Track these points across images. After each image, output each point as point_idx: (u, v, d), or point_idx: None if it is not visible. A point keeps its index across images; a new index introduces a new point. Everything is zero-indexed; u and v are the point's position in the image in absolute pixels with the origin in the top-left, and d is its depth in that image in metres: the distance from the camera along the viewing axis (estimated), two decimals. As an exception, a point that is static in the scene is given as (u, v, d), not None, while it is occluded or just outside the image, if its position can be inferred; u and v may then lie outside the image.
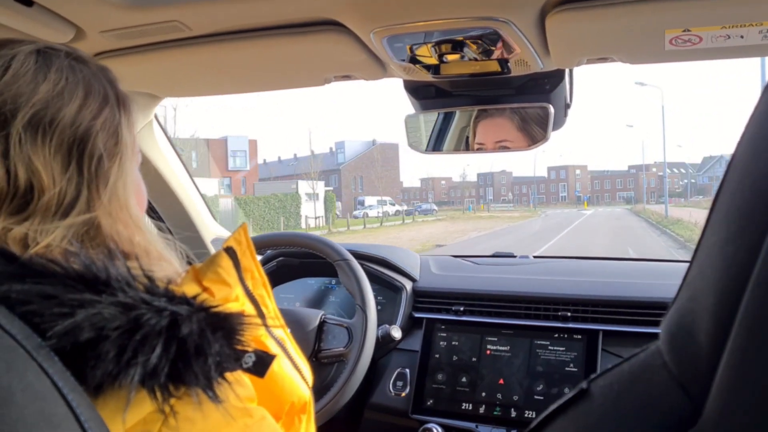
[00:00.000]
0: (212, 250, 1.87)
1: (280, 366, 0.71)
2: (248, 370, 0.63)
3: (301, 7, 0.99)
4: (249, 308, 0.72)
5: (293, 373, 0.74)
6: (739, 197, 0.42)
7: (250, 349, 0.63)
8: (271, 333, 0.74)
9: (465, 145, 1.44)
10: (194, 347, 0.57)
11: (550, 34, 1.01)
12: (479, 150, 1.43)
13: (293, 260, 1.83)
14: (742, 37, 0.95)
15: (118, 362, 0.53)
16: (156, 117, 1.57)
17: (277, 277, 1.85)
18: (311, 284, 1.84)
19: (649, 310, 1.45)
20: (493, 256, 2.05)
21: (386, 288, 1.73)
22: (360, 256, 1.67)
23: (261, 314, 0.73)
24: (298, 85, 1.32)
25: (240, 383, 0.62)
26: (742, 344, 0.37)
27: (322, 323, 1.47)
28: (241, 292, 0.71)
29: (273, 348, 0.72)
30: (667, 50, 1.01)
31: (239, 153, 40.86)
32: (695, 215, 28.84)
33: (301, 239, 1.57)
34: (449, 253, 2.02)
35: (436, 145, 1.46)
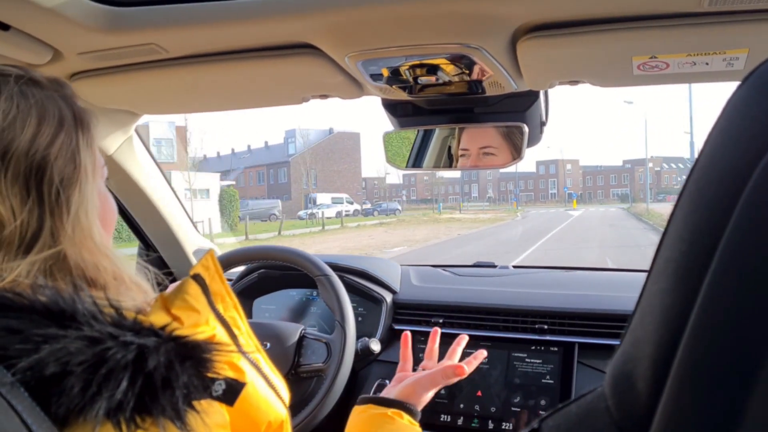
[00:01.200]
0: (194, 262, 1.87)
1: (254, 388, 0.71)
2: (218, 399, 0.63)
3: (276, 32, 1.00)
4: (220, 332, 0.72)
5: (268, 393, 0.75)
6: (678, 246, 0.43)
7: (220, 377, 0.64)
8: (245, 355, 0.74)
9: (448, 161, 1.45)
10: (161, 380, 0.57)
11: (521, 59, 1.03)
12: (462, 156, 1.43)
13: (274, 272, 1.84)
14: (707, 63, 0.97)
15: (83, 396, 0.54)
16: (136, 131, 1.58)
17: (259, 288, 1.85)
18: (293, 296, 1.85)
19: (623, 322, 1.47)
20: (474, 265, 2.07)
21: (366, 300, 1.74)
22: (340, 269, 1.69)
23: (233, 336, 0.74)
24: (275, 103, 1.33)
25: (209, 412, 0.62)
26: (676, 395, 0.39)
27: (302, 338, 1.48)
28: (212, 317, 0.72)
29: (246, 369, 0.73)
30: (635, 75, 1.04)
31: (164, 142, 33.31)
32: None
33: (282, 253, 1.58)
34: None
35: (416, 161, 1.48)
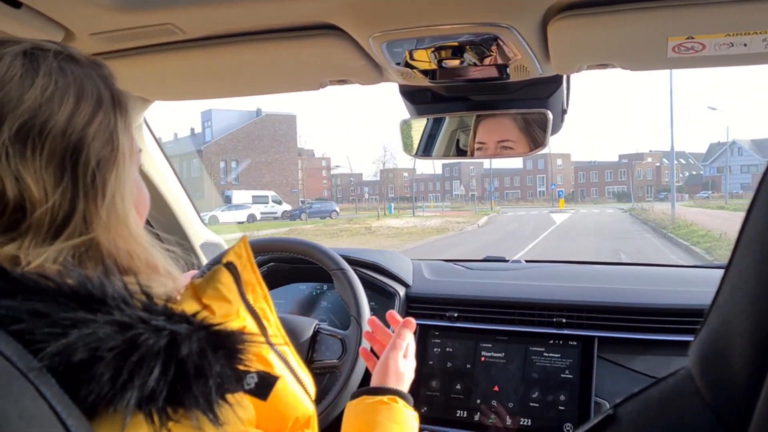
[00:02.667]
0: (201, 255, 1.84)
1: (284, 383, 0.69)
2: (250, 392, 0.61)
3: (299, 11, 0.97)
4: (250, 323, 0.69)
5: (296, 387, 0.72)
6: None
7: (252, 370, 0.61)
8: (273, 347, 0.72)
9: (456, 150, 1.42)
10: (194, 368, 0.54)
11: (551, 41, 1.00)
12: (479, 149, 1.40)
13: (284, 265, 1.80)
14: (745, 45, 0.94)
15: (113, 385, 0.51)
16: (145, 120, 1.54)
17: (268, 281, 1.79)
18: (302, 289, 1.81)
19: (644, 316, 1.45)
20: (485, 260, 2.04)
21: (379, 294, 1.71)
22: (352, 262, 1.65)
23: (263, 328, 0.71)
24: (292, 89, 1.30)
25: (241, 405, 0.60)
26: None
27: (316, 333, 1.44)
28: (242, 307, 0.69)
29: (275, 363, 0.70)
30: (669, 57, 1.01)
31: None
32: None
33: (297, 246, 1.54)
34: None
35: (426, 149, 1.44)
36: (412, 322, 1.20)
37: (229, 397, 0.57)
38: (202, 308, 0.63)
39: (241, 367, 0.59)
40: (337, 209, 43.19)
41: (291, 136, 50.56)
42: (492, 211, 48.64)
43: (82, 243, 0.63)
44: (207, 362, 0.55)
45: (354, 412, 1.05)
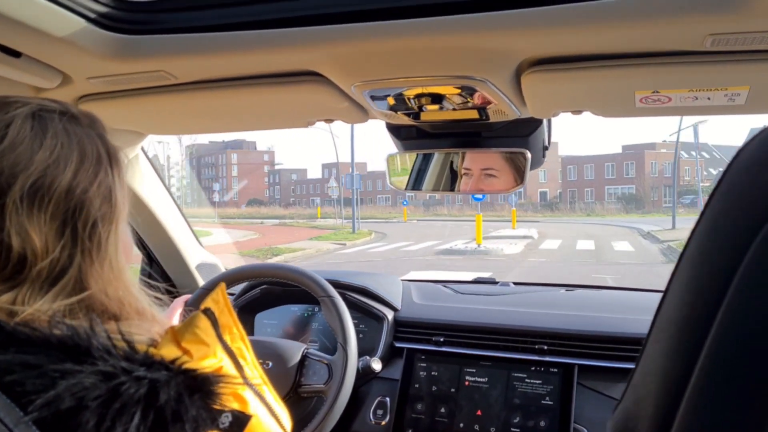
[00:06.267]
0: (197, 277, 1.89)
1: (258, 420, 0.73)
2: (224, 430, 0.65)
3: (284, 61, 1.02)
4: (227, 363, 0.74)
5: (271, 422, 0.77)
6: (679, 308, 0.44)
7: (227, 409, 0.65)
8: (250, 385, 0.76)
9: (449, 183, 1.46)
10: (171, 414, 0.59)
11: (525, 90, 1.04)
12: (465, 175, 1.44)
13: (276, 288, 1.85)
14: (709, 98, 0.99)
15: (97, 431, 0.55)
16: (143, 148, 1.59)
17: (261, 303, 1.86)
18: (294, 311, 1.86)
19: (622, 345, 1.49)
20: (475, 281, 2.08)
21: (368, 317, 1.75)
22: (342, 286, 1.70)
23: (239, 367, 0.76)
24: (281, 126, 1.35)
25: None
26: None
27: (304, 358, 1.49)
28: (219, 348, 0.74)
29: (251, 400, 0.74)
30: (637, 107, 1.05)
31: None
32: None
33: (287, 272, 1.59)
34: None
35: (416, 182, 1.49)
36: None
37: None
38: (181, 353, 0.67)
39: (217, 407, 0.63)
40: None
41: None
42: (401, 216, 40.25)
43: (74, 288, 0.68)
44: (184, 407, 0.60)
45: None
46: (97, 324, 0.63)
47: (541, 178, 61.71)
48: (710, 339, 0.40)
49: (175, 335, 0.70)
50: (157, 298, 0.80)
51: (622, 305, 1.68)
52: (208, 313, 0.74)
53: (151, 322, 0.74)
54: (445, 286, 1.95)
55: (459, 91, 1.07)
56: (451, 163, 1.46)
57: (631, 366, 1.43)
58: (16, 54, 0.99)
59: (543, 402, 1.49)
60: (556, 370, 1.51)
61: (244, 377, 0.75)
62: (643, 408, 0.44)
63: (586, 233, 24.36)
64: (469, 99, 1.09)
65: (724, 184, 0.44)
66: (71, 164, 0.69)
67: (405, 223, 36.44)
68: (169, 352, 0.67)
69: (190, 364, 0.64)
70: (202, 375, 0.64)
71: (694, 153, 57.66)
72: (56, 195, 0.67)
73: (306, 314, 1.84)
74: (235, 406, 0.68)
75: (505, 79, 1.01)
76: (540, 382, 1.51)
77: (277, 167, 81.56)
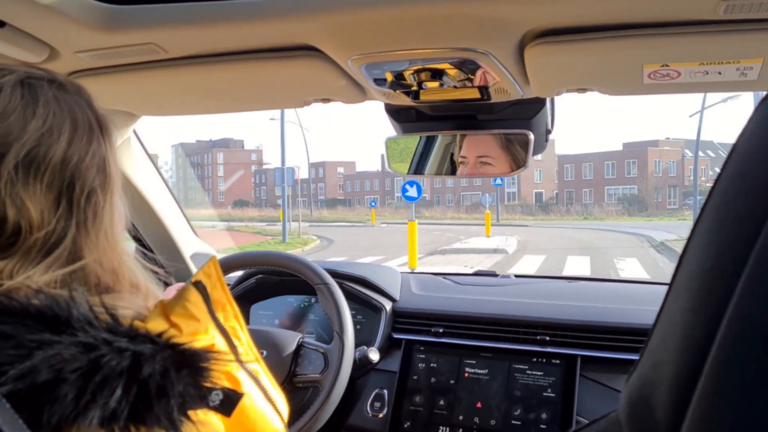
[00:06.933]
0: (191, 266, 1.85)
1: (252, 400, 0.70)
2: (215, 409, 0.63)
3: (278, 33, 0.98)
4: (219, 342, 0.71)
5: (266, 406, 0.73)
6: (702, 262, 0.41)
7: (217, 387, 0.63)
8: (243, 366, 0.73)
9: (450, 167, 1.43)
10: (156, 388, 0.56)
11: (529, 66, 1.01)
12: (461, 163, 1.41)
13: (273, 277, 1.81)
14: (719, 73, 0.95)
15: (76, 405, 0.53)
16: (135, 132, 1.56)
17: (257, 293, 1.83)
18: (291, 302, 1.82)
19: (626, 336, 1.45)
20: (475, 274, 2.05)
21: (365, 307, 1.72)
22: (339, 275, 1.66)
23: (233, 346, 0.73)
24: (277, 106, 1.31)
25: (206, 422, 0.61)
26: (697, 425, 0.36)
27: (299, 347, 1.45)
28: (211, 325, 0.71)
29: (244, 382, 0.71)
30: (645, 83, 1.02)
31: None
32: None
33: (282, 260, 1.55)
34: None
35: (418, 167, 1.45)
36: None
37: (192, 414, 0.58)
38: (169, 326, 0.65)
39: (207, 384, 0.61)
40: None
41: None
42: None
43: (68, 259, 0.66)
44: (169, 382, 0.57)
45: None
46: (79, 294, 0.60)
47: (537, 178, 58.24)
48: (737, 294, 0.36)
49: (164, 309, 0.68)
50: (153, 271, 0.77)
51: (626, 297, 1.65)
52: (199, 286, 0.71)
53: (144, 296, 0.72)
54: (444, 278, 1.91)
55: (460, 67, 1.04)
56: (452, 154, 1.43)
57: (636, 357, 1.39)
58: (0, 24, 0.95)
59: (545, 394, 1.45)
60: (558, 361, 1.47)
61: (237, 356, 0.72)
62: (662, 372, 0.40)
63: (581, 243, 20.17)
64: (470, 76, 1.05)
65: (748, 130, 0.40)
66: (65, 133, 0.67)
67: (372, 228, 32.48)
68: (156, 325, 0.64)
69: (179, 339, 0.61)
70: (191, 350, 0.61)
71: (700, 153, 50.10)
72: (51, 165, 0.65)
73: (302, 305, 1.81)
74: (226, 384, 0.65)
75: (508, 52, 0.97)
76: (542, 373, 1.47)
77: (265, 167, 77.32)
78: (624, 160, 52.68)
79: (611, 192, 52.47)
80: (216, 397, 0.62)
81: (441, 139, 1.40)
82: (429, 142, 1.42)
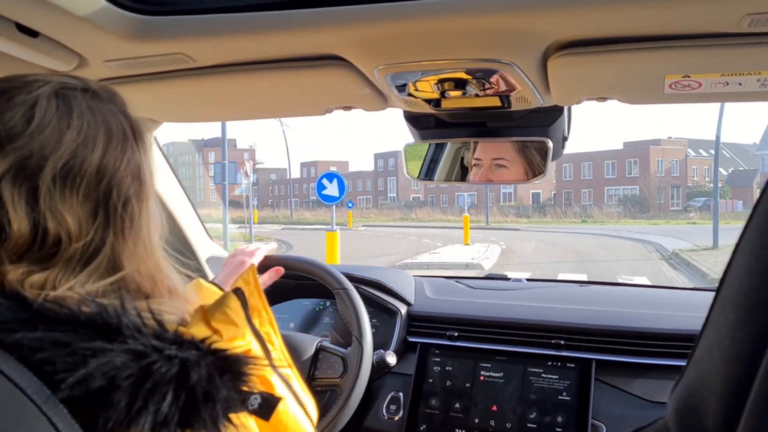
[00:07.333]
0: (207, 270, 1.87)
1: (285, 404, 0.72)
2: (253, 412, 0.65)
3: (306, 43, 1.00)
4: (255, 347, 0.73)
5: (297, 409, 0.76)
6: (748, 278, 0.42)
7: (255, 391, 0.65)
8: (276, 371, 0.75)
9: (460, 173, 1.44)
10: (203, 394, 0.58)
11: (551, 76, 1.02)
12: (475, 166, 1.42)
13: (288, 281, 1.82)
14: (740, 84, 0.97)
15: (128, 411, 0.55)
16: (155, 138, 1.57)
17: (272, 297, 1.82)
18: (306, 305, 1.84)
19: (641, 340, 1.47)
20: (487, 278, 2.06)
21: (381, 311, 1.73)
22: (355, 279, 1.68)
23: (267, 351, 0.75)
24: (298, 113, 1.33)
25: (245, 425, 0.63)
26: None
27: (318, 351, 1.47)
28: (248, 331, 0.73)
29: (278, 386, 0.74)
30: (666, 93, 1.03)
31: None
32: None
33: (301, 264, 1.57)
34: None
35: (428, 173, 1.47)
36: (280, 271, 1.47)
37: (233, 417, 0.60)
38: (211, 332, 0.67)
39: (246, 389, 0.63)
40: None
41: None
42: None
43: (107, 267, 0.67)
44: (215, 387, 0.59)
45: None
46: (128, 301, 0.62)
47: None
48: None
49: (205, 314, 0.70)
50: (187, 275, 0.79)
51: (640, 301, 1.66)
52: (239, 293, 0.73)
53: (182, 300, 0.74)
54: (457, 282, 1.93)
55: (483, 77, 1.05)
56: (462, 159, 1.44)
57: (651, 361, 1.40)
58: (33, 34, 0.97)
59: (560, 397, 1.46)
60: (573, 365, 1.49)
61: (271, 361, 0.74)
62: (710, 383, 0.41)
63: (577, 254, 17.12)
64: (492, 85, 1.07)
65: None
66: (99, 143, 0.68)
67: (347, 232, 28.96)
68: (198, 331, 0.66)
69: (220, 344, 0.63)
70: (233, 356, 0.63)
71: (702, 151, 51.27)
72: (87, 175, 0.66)
73: (317, 308, 1.82)
74: (262, 389, 0.67)
75: (531, 63, 0.99)
76: (557, 377, 1.49)
77: (258, 166, 74.79)
78: (625, 159, 50.44)
79: (611, 192, 50.28)
80: (255, 401, 0.64)
81: (451, 144, 1.42)
82: (439, 147, 1.43)
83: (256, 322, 0.75)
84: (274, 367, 0.75)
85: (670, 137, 52.98)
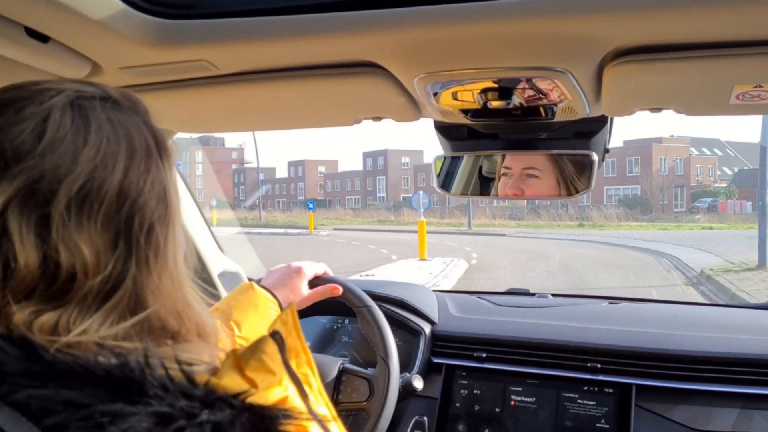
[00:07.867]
0: (219, 285, 1.78)
1: None
2: None
3: (340, 49, 0.92)
4: (292, 392, 0.66)
5: None
6: None
7: None
8: (314, 416, 0.68)
9: (479, 180, 1.35)
10: None
11: (606, 85, 0.94)
12: (504, 175, 1.33)
13: (305, 298, 1.74)
14: None
15: None
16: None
17: (288, 314, 1.76)
18: (323, 323, 1.76)
19: (685, 364, 1.38)
20: (508, 293, 1.98)
21: (404, 330, 1.65)
22: (376, 297, 1.59)
23: (304, 395, 0.68)
24: (326, 124, 1.25)
25: None
26: None
27: (341, 373, 1.38)
28: (285, 376, 0.65)
29: None
30: (731, 104, 0.95)
31: None
32: None
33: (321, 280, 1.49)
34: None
35: (445, 183, 1.39)
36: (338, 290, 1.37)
37: None
38: (245, 383, 0.59)
39: None
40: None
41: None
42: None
43: (128, 303, 0.59)
44: None
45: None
46: (153, 354, 0.54)
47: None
48: None
49: (238, 361, 0.62)
50: (209, 303, 0.71)
51: (678, 321, 1.58)
52: (276, 336, 0.65)
53: (212, 340, 0.66)
54: (480, 298, 1.84)
55: (531, 86, 0.97)
56: (480, 168, 1.35)
57: (694, 387, 1.30)
58: (44, 39, 0.89)
59: (598, 425, 1.38)
60: (611, 390, 1.40)
61: (309, 407, 0.67)
62: None
63: (569, 274, 12.58)
64: (540, 95, 0.99)
65: None
66: (120, 162, 0.59)
67: (306, 237, 25.41)
68: (232, 382, 0.58)
69: (256, 398, 0.56)
70: (270, 413, 0.56)
71: (705, 149, 48.53)
72: (107, 200, 0.57)
73: (335, 326, 1.74)
74: None
75: (587, 72, 0.91)
76: (594, 403, 1.41)
77: (246, 165, 73.23)
78: (625, 158, 46.11)
79: (611, 193, 46.15)
80: None
81: (467, 159, 1.33)
82: (456, 160, 1.35)
83: (293, 363, 0.68)
84: (312, 412, 0.68)
85: (672, 135, 49.53)
